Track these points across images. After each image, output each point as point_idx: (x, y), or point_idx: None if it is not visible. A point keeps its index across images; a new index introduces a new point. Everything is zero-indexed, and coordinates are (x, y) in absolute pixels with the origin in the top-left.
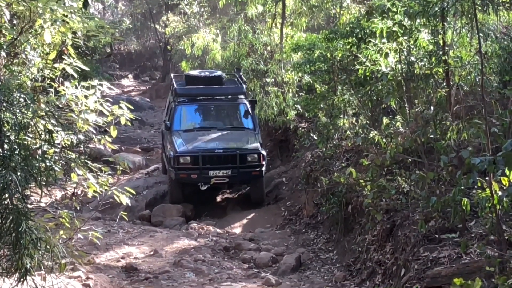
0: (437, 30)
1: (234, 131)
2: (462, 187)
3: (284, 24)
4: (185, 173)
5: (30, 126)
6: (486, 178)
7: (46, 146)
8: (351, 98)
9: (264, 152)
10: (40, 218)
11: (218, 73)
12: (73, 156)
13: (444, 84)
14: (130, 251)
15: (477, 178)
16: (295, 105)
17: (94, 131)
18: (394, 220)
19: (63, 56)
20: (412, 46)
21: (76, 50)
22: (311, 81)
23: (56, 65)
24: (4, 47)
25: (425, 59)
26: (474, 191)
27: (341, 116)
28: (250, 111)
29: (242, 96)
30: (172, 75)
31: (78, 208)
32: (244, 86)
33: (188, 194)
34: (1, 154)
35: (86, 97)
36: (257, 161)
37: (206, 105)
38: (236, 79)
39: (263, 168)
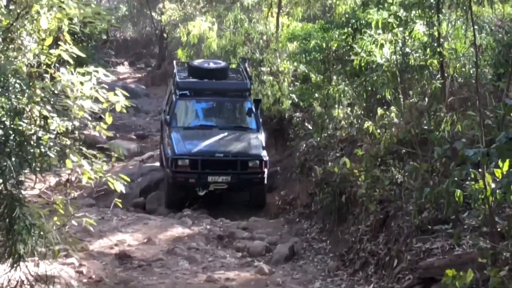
0: (432, 22)
1: (236, 131)
2: (456, 179)
3: (280, 14)
4: (183, 176)
5: (25, 112)
6: (480, 170)
7: (41, 132)
8: (346, 88)
9: (266, 158)
10: (34, 204)
11: (223, 64)
12: (68, 142)
13: (439, 75)
14: (124, 238)
15: (470, 169)
16: (290, 95)
17: (89, 118)
18: (388, 210)
19: (59, 42)
20: (407, 38)
21: (72, 36)
22: (307, 71)
23: (52, 51)
24: (0, 32)
25: (420, 51)
26: (467, 182)
27: (336, 106)
28: (254, 110)
29: (247, 93)
30: (174, 62)
31: (73, 194)
32: (249, 82)
33: (185, 198)
34: None
35: (81, 83)
36: (259, 168)
37: (209, 101)
38: (241, 71)
39: (265, 175)
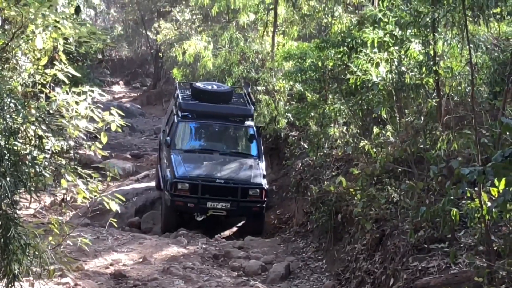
0: (428, 41)
1: (237, 157)
2: (452, 197)
3: (276, 33)
4: (182, 201)
5: (20, 132)
6: (476, 189)
7: (36, 152)
8: (341, 107)
9: (267, 186)
10: (29, 224)
11: (227, 88)
12: (63, 162)
13: (435, 94)
14: (119, 258)
15: (466, 188)
16: (286, 114)
17: (85, 137)
18: (384, 229)
19: (54, 62)
20: (403, 56)
21: (68, 56)
22: (302, 90)
23: (47, 70)
24: None
25: (415, 69)
26: (463, 201)
27: (332, 125)
28: (256, 137)
29: (250, 119)
30: (177, 83)
31: (68, 214)
32: (253, 107)
33: (181, 221)
34: None
35: (77, 103)
36: (259, 196)
37: (211, 125)
38: (244, 95)
39: (265, 204)
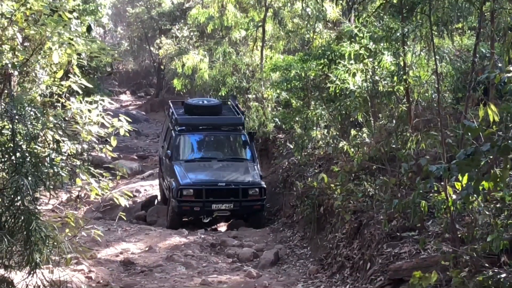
0: (398, 53)
1: (234, 162)
2: (421, 191)
3: (264, 47)
4: (188, 205)
5: (40, 137)
6: (442, 183)
7: (54, 154)
8: (323, 112)
9: (265, 185)
10: (48, 218)
11: (216, 102)
12: (78, 163)
13: (405, 100)
14: (128, 247)
15: (433, 183)
16: (274, 118)
17: (96, 141)
18: (361, 220)
19: (69, 75)
20: (377, 67)
21: (80, 69)
22: (288, 97)
23: (63, 82)
24: (17, 67)
25: (388, 78)
26: (431, 194)
27: (314, 128)
28: (249, 142)
29: (241, 127)
30: (170, 102)
31: (83, 209)
32: (243, 116)
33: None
34: (14, 161)
35: (89, 111)
36: (258, 195)
37: (207, 135)
38: (232, 107)
39: (264, 202)
